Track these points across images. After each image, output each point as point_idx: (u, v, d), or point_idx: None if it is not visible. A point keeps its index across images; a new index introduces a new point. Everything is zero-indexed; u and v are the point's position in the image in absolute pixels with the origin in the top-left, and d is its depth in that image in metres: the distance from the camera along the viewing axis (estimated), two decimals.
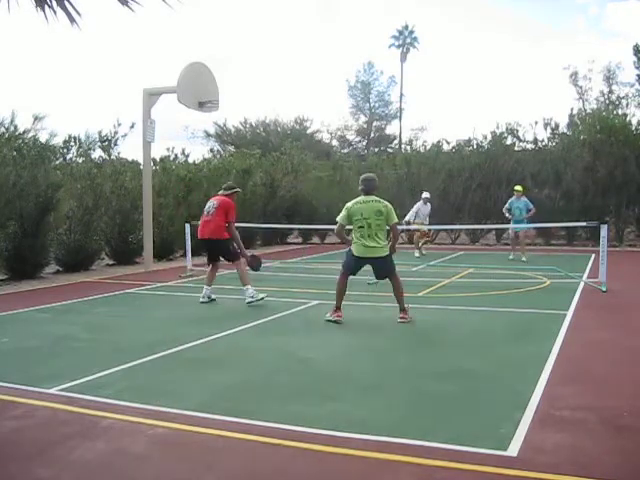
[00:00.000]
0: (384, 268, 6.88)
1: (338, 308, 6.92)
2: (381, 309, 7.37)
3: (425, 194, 14.81)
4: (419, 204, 14.53)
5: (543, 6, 64.29)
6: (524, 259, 12.39)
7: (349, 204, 6.85)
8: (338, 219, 6.89)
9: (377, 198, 6.88)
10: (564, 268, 9.70)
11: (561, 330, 6.17)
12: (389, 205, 6.80)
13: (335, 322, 6.78)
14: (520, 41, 65.98)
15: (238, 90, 55.39)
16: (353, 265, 6.93)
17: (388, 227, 6.86)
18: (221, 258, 8.38)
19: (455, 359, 5.20)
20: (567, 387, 4.40)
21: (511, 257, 12.99)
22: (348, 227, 6.98)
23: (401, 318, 6.79)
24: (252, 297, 7.87)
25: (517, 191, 13.03)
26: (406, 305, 6.89)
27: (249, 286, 7.96)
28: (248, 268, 8.40)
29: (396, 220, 6.89)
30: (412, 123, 71.30)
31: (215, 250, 8.33)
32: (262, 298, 7.91)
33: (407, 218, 14.32)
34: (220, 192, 8.55)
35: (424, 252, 14.47)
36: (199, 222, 8.46)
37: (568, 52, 53.72)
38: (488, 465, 3.10)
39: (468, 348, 5.58)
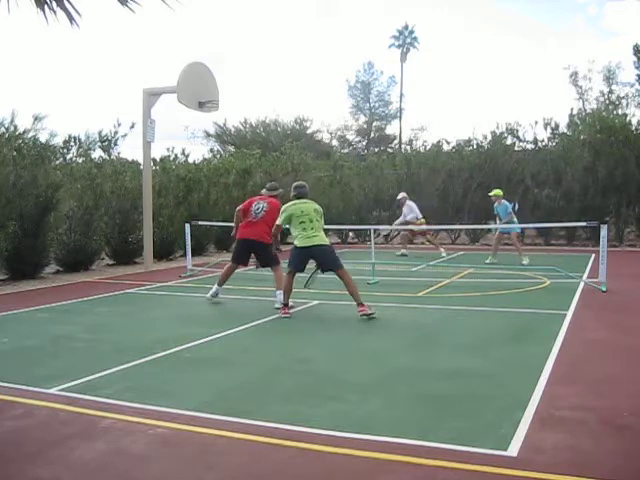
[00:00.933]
0: (328, 257, 7.11)
1: (286, 305, 7.20)
2: (381, 309, 7.36)
3: (400, 195, 14.75)
4: (411, 204, 14.36)
5: (543, 6, 64.34)
6: (525, 262, 11.73)
7: (286, 206, 7.30)
8: (277, 222, 7.31)
9: (312, 201, 7.44)
10: (564, 268, 9.69)
11: (561, 330, 6.17)
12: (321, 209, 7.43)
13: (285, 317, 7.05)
14: (520, 41, 66.10)
15: (238, 90, 55.46)
16: (299, 259, 7.17)
17: None
18: (257, 261, 8.20)
19: (455, 359, 5.20)
20: (567, 387, 4.40)
21: (488, 260, 12.24)
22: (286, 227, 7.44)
23: (361, 312, 6.86)
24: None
25: (495, 195, 12.30)
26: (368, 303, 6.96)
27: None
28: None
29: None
30: (412, 123, 71.43)
31: (255, 252, 8.03)
32: (291, 307, 7.66)
33: (417, 218, 14.28)
34: (264, 192, 8.30)
35: (403, 251, 14.32)
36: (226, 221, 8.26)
37: (568, 52, 53.84)
38: (488, 465, 3.10)
39: (468, 348, 5.58)
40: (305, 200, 7.38)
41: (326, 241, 7.20)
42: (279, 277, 7.81)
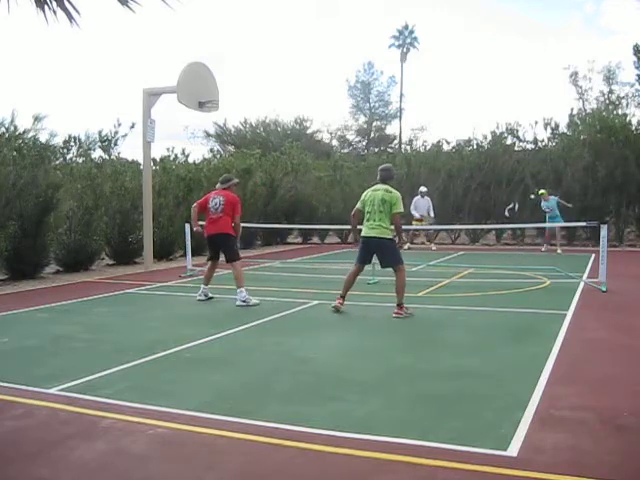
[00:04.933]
0: (387, 253, 7.03)
1: (342, 297, 7.24)
2: (381, 309, 7.36)
3: (421, 188, 16.43)
4: (416, 198, 16.27)
5: (542, 6, 64.29)
6: (559, 251, 14.39)
7: (364, 193, 7.29)
8: (357, 206, 7.35)
9: (387, 187, 7.12)
10: (564, 268, 9.69)
11: (561, 330, 6.17)
12: (396, 195, 7.04)
13: (334, 308, 7.16)
14: (520, 41, 66.07)
15: (238, 90, 55.46)
16: (362, 249, 7.17)
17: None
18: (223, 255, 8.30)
19: (455, 359, 5.20)
20: (567, 387, 4.40)
21: (559, 251, 14.59)
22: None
23: (396, 313, 6.90)
24: (244, 301, 7.83)
25: (542, 194, 14.71)
26: (406, 305, 6.91)
27: (243, 289, 7.92)
28: None
29: (398, 210, 7.01)
30: (412, 123, 71.36)
31: (220, 245, 8.20)
32: (255, 304, 7.84)
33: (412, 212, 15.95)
34: (218, 186, 8.43)
35: (405, 247, 15.47)
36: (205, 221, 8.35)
37: (568, 52, 53.85)
38: (488, 465, 3.10)
39: (468, 348, 5.58)
40: (379, 187, 7.11)
41: (385, 234, 6.93)
42: (238, 274, 8.00)
